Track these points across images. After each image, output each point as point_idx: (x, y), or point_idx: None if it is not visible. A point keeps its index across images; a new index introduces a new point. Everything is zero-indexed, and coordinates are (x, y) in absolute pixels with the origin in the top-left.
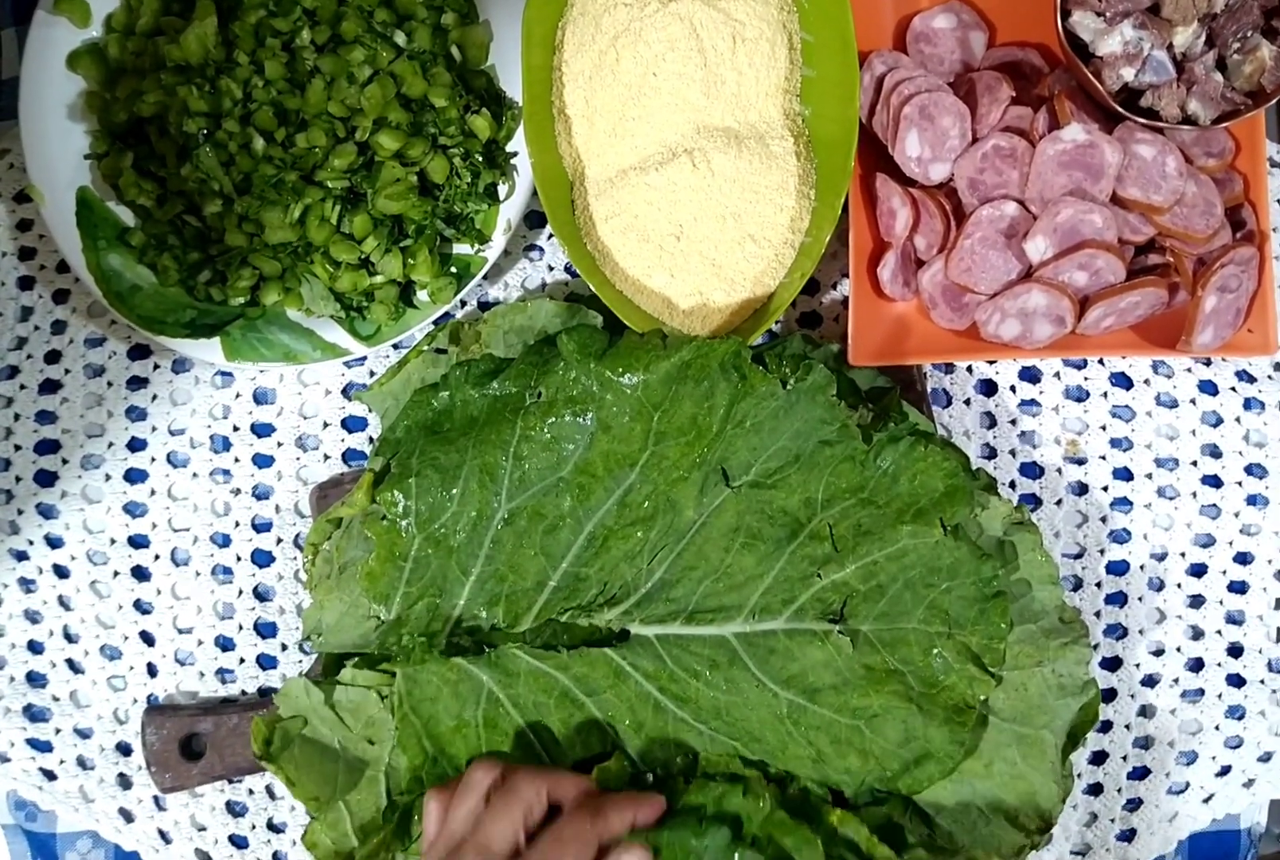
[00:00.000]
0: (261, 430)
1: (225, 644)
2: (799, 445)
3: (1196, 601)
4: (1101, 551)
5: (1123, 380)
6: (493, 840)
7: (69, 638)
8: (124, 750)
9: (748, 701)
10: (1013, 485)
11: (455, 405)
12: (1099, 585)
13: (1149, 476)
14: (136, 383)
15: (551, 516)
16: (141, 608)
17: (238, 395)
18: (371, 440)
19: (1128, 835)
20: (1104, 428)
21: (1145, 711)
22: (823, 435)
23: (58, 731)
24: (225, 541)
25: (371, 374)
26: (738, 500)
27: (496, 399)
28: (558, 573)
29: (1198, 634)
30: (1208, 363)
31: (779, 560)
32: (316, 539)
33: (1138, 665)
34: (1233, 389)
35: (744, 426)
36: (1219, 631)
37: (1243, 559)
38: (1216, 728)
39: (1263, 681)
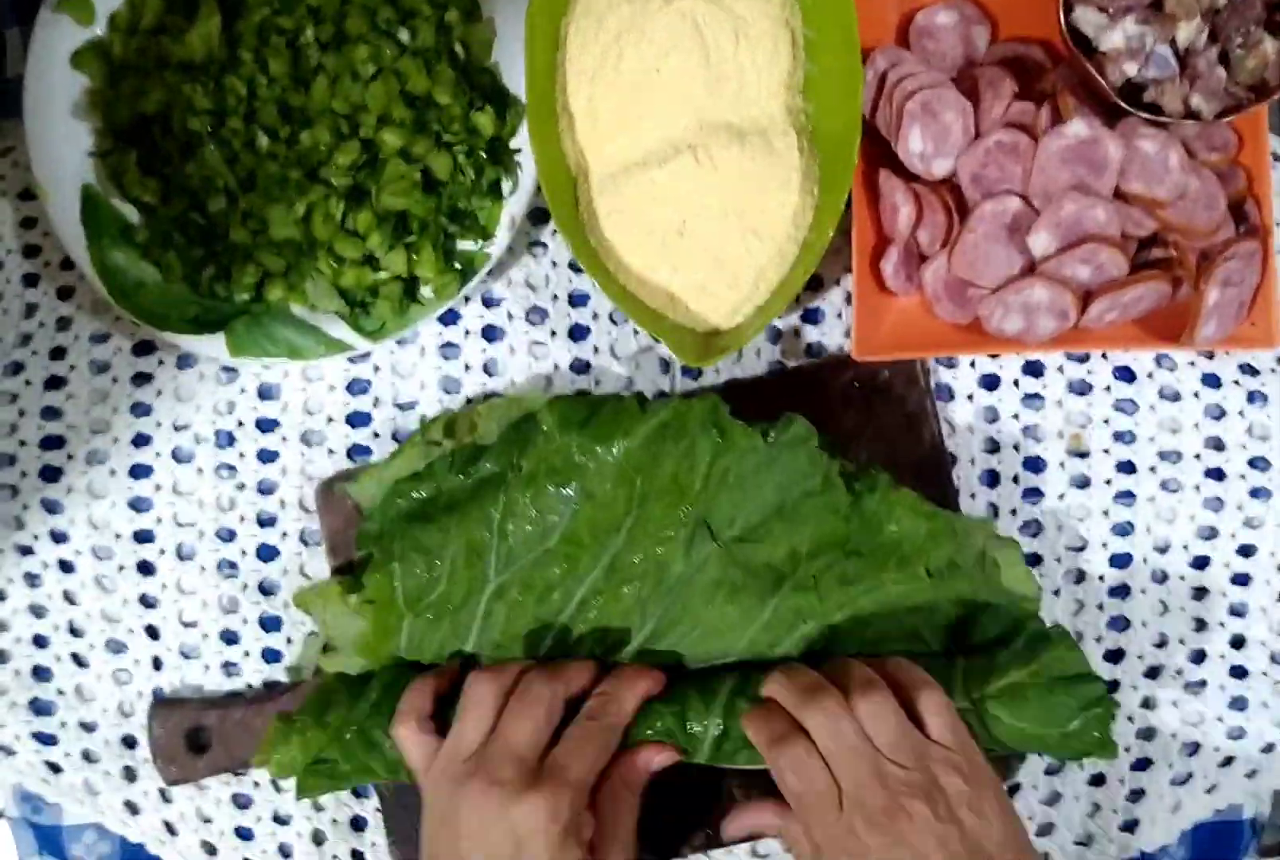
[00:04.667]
0: (266, 426)
1: (230, 638)
2: (782, 497)
3: (1199, 594)
4: (1104, 545)
5: (1126, 374)
6: (515, 744)
7: (74, 632)
8: (129, 743)
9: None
10: (1016, 480)
11: (440, 493)
12: (1102, 578)
13: (1152, 470)
14: (141, 379)
15: (541, 587)
16: (147, 602)
17: (242, 391)
18: (376, 435)
19: (1130, 825)
20: (1107, 421)
21: (1148, 703)
22: (806, 487)
23: (63, 725)
24: (230, 536)
25: (376, 370)
26: (722, 555)
27: (481, 481)
28: (551, 633)
29: (1200, 626)
30: (1211, 356)
31: (764, 612)
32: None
33: (1140, 657)
34: (1236, 382)
35: (727, 483)
36: (1222, 623)
37: (1246, 551)
38: (1219, 719)
39: (1265, 673)
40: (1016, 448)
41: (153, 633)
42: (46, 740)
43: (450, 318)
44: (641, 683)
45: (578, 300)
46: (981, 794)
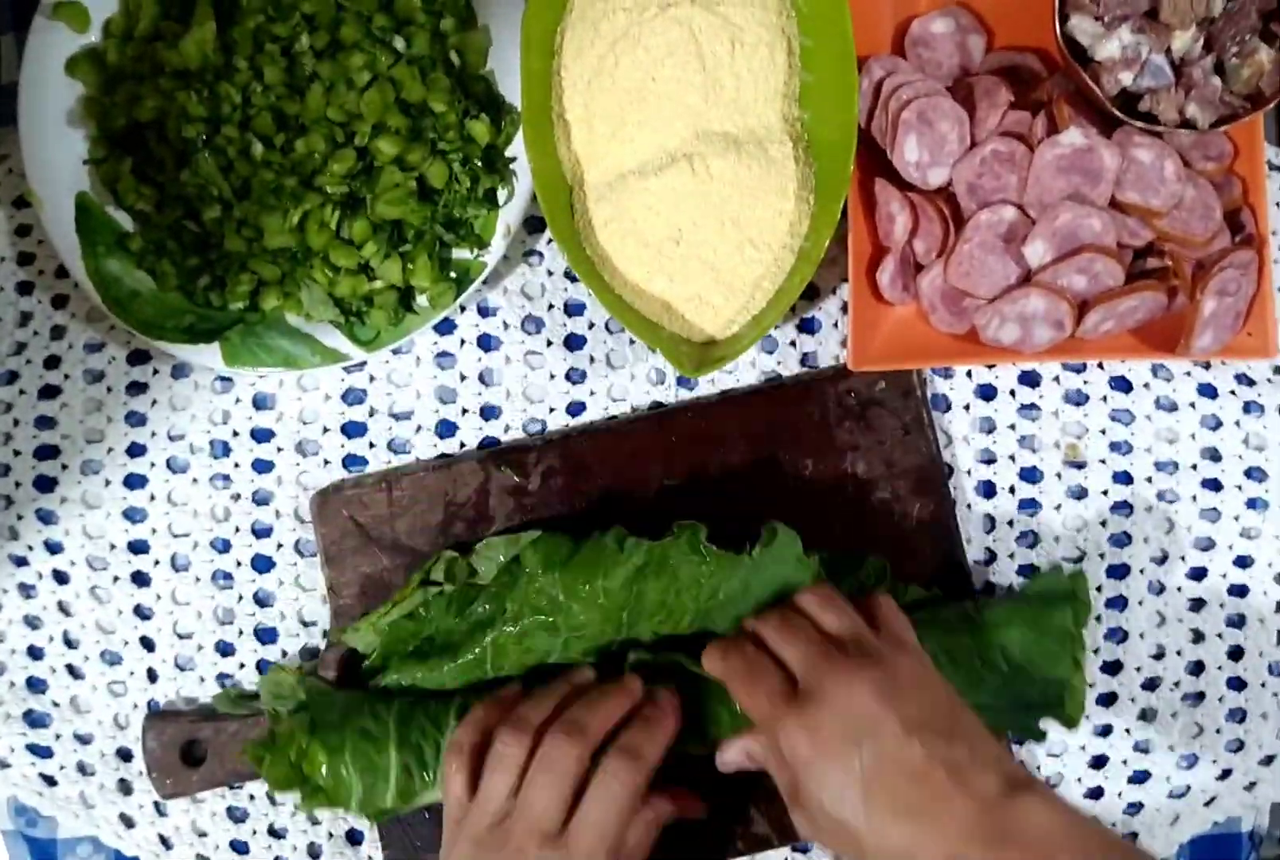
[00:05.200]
0: (261, 435)
1: (225, 649)
2: (776, 591)
3: (1197, 605)
4: (1101, 555)
5: (1122, 384)
6: (540, 814)
7: (69, 643)
8: (124, 756)
9: None
10: (1012, 490)
11: (438, 633)
12: (1099, 589)
13: (1149, 480)
14: (136, 388)
15: None
16: (141, 613)
17: (237, 400)
18: (372, 446)
19: (1129, 838)
20: (1103, 431)
21: (1146, 715)
22: (796, 583)
23: (58, 737)
24: (225, 547)
25: (371, 379)
26: None
27: (475, 624)
28: None
29: (1198, 637)
30: (1207, 366)
31: None
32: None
33: (1138, 669)
34: (1232, 392)
35: (718, 599)
36: (1219, 635)
37: (1243, 562)
38: (1218, 731)
39: (1264, 684)
40: (1013, 458)
41: (147, 644)
42: (41, 752)
43: (446, 327)
44: (665, 727)
45: (573, 309)
46: (933, 679)
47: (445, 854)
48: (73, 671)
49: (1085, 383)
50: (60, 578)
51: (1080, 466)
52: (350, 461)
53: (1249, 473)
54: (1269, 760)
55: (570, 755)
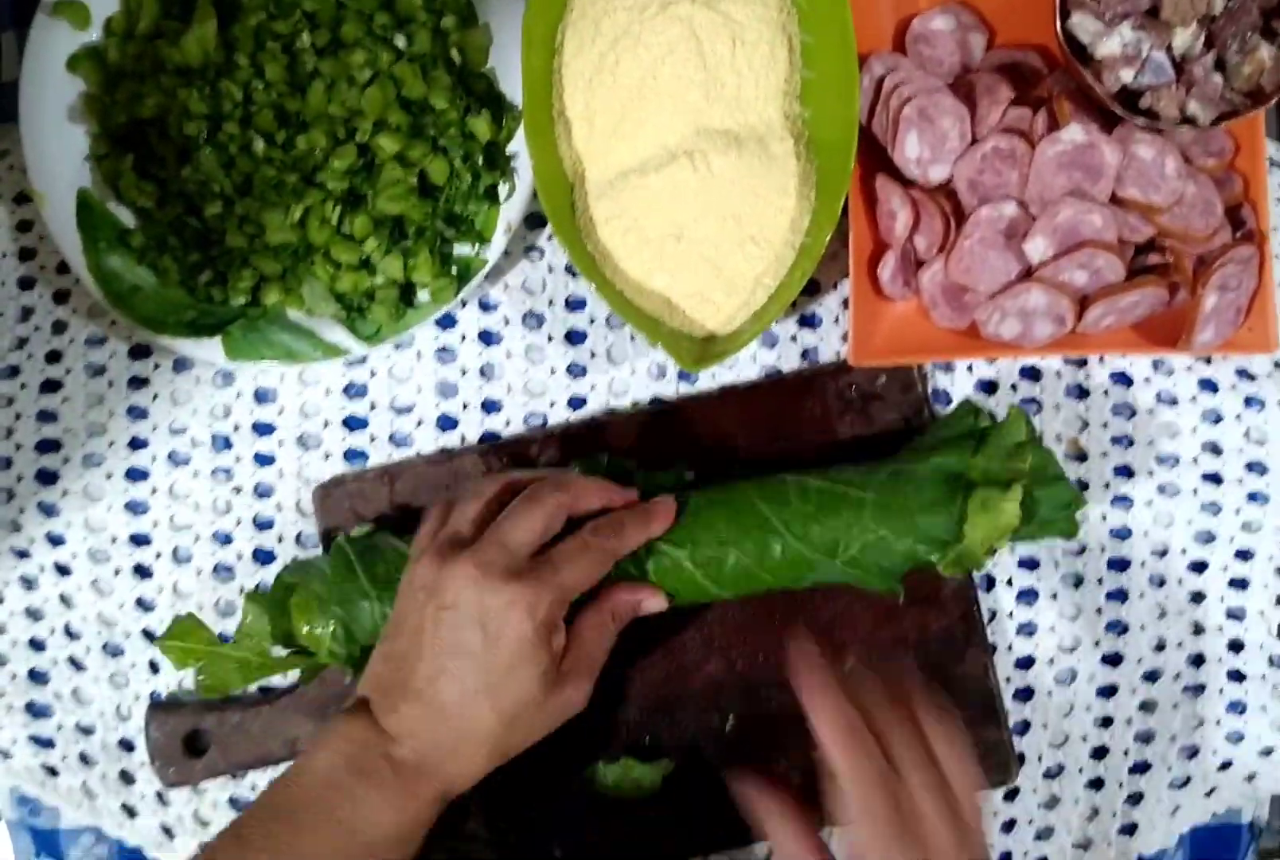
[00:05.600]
0: (263, 429)
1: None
2: None
3: (1197, 597)
4: (1103, 548)
5: (1123, 378)
6: (510, 536)
7: (71, 635)
8: (126, 746)
9: None
10: None
11: None
12: (1100, 581)
13: (1150, 474)
14: (137, 382)
15: None
16: (144, 605)
17: (239, 394)
18: (373, 439)
19: (1129, 829)
20: (1105, 425)
21: (1146, 706)
22: None
23: (60, 728)
24: (227, 540)
25: (373, 374)
26: None
27: None
28: None
29: (1199, 629)
30: (1208, 361)
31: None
32: None
33: (1139, 660)
34: (1233, 387)
35: None
36: (1220, 627)
37: (1244, 555)
38: (1218, 722)
39: (1264, 677)
40: None
41: (150, 636)
42: (44, 743)
43: (447, 322)
44: (653, 523)
45: (574, 305)
46: None
47: (405, 578)
48: (75, 663)
49: (1086, 377)
50: (62, 570)
51: (1082, 460)
52: (352, 455)
53: (1250, 466)
54: (1269, 751)
55: (554, 499)
